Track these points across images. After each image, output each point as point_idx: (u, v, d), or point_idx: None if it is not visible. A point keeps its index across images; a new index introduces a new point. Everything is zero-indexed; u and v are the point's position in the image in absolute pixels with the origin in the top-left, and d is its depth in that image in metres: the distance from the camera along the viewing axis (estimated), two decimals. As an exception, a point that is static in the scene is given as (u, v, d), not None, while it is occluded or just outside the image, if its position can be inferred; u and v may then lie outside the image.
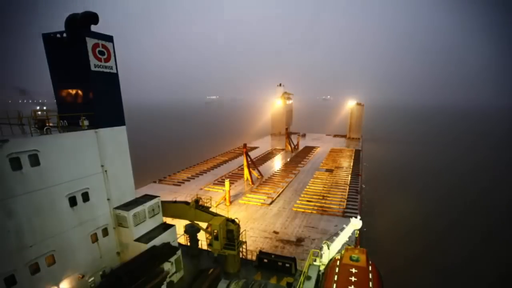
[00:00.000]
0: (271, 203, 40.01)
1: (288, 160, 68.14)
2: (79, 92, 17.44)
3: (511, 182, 68.78)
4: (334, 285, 13.92)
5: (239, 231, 22.08)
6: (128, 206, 18.84)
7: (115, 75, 18.56)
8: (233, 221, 21.64)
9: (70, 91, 17.70)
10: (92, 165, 17.07)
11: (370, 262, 15.39)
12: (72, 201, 15.72)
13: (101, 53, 17.25)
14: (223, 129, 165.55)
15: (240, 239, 22.30)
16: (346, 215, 35.33)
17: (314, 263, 18.27)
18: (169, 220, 21.97)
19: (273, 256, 23.11)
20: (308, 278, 16.67)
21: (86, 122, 16.95)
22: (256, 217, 35.57)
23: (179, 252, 20.17)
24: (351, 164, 62.05)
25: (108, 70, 17.88)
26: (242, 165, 51.52)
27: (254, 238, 30.24)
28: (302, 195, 43.04)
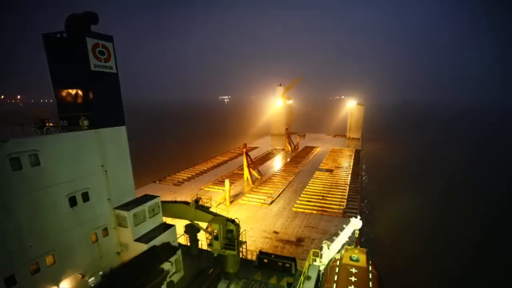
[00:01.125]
0: (271, 203, 40.00)
1: (288, 160, 68.14)
2: (79, 92, 17.42)
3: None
4: (334, 285, 13.92)
5: (239, 231, 22.07)
6: (128, 206, 18.82)
7: (115, 75, 18.56)
8: (233, 221, 21.63)
9: (70, 91, 17.68)
10: (92, 165, 17.06)
11: (370, 262, 15.39)
12: (72, 201, 15.71)
13: (101, 53, 17.24)
14: (223, 129, 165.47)
15: (240, 239, 22.30)
16: (346, 215, 35.33)
17: (314, 263, 18.28)
18: (169, 220, 21.97)
19: (273, 256, 23.10)
20: (308, 278, 16.67)
21: (86, 122, 16.93)
22: (256, 217, 35.56)
23: (179, 252, 20.17)
24: (351, 164, 62.05)
25: (108, 70, 17.88)
26: (242, 165, 51.51)
27: (254, 238, 30.25)
28: (302, 195, 43.04)
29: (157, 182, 49.68)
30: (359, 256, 15.60)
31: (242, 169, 50.93)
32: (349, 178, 51.26)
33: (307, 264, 17.95)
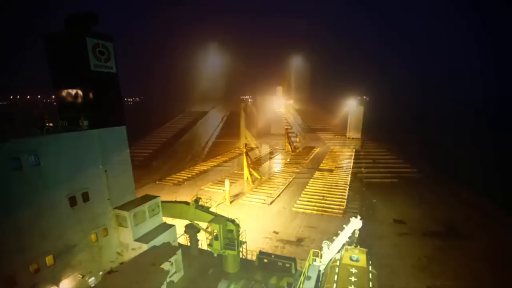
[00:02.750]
0: (271, 203, 40.03)
1: (288, 160, 68.17)
2: (79, 92, 17.43)
3: None
4: (334, 285, 13.91)
5: (239, 231, 22.06)
6: (128, 206, 18.82)
7: (115, 75, 18.58)
8: (233, 221, 21.61)
9: (70, 91, 17.69)
10: (92, 165, 17.06)
11: (370, 262, 15.38)
12: (72, 201, 15.70)
13: (101, 53, 17.25)
14: (224, 129, 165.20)
15: (240, 239, 22.29)
16: (346, 215, 35.34)
17: (314, 263, 18.27)
18: (169, 220, 21.97)
19: (273, 256, 23.08)
20: (308, 278, 16.67)
21: (86, 122, 16.93)
22: (256, 217, 35.57)
23: (179, 252, 20.13)
24: (351, 164, 62.07)
25: (108, 70, 17.89)
26: (242, 165, 51.52)
27: (254, 238, 30.24)
28: (302, 195, 43.06)
29: (157, 182, 49.72)
30: (359, 256, 15.59)
31: (242, 169, 50.95)
32: (349, 178, 51.29)
33: (307, 264, 17.94)
